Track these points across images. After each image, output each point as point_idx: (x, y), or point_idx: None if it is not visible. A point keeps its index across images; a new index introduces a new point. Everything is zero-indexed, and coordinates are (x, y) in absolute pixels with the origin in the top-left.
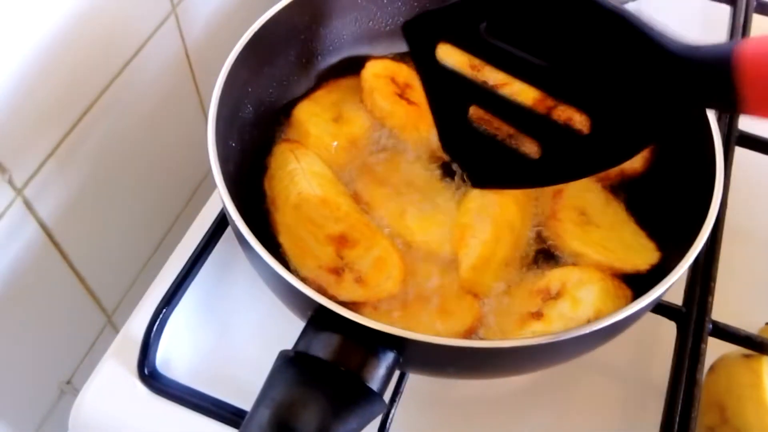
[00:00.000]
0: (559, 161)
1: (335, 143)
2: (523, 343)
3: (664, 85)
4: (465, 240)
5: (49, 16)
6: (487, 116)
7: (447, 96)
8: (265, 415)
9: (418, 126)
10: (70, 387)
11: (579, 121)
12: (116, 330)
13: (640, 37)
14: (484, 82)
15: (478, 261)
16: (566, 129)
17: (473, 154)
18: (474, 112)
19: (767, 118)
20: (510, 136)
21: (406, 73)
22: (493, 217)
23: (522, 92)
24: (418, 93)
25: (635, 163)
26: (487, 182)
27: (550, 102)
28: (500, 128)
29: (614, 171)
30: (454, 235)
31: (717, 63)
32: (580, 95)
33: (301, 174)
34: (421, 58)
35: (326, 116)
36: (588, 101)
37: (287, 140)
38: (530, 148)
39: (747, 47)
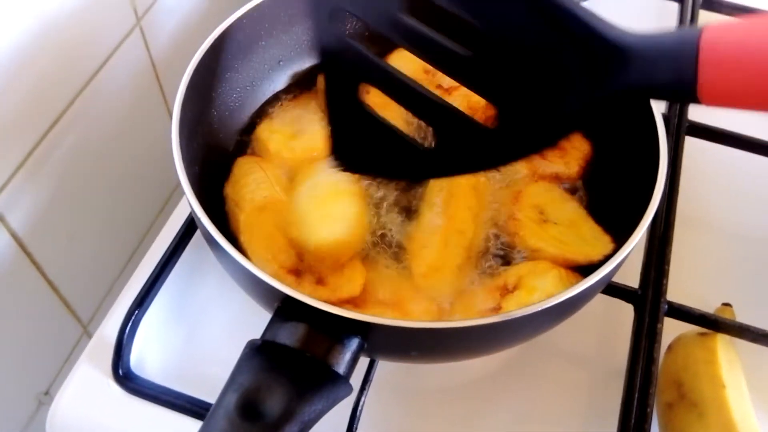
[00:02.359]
0: (453, 154)
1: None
2: (479, 322)
3: (609, 80)
4: (416, 250)
5: (14, 29)
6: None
7: (341, 68)
8: (232, 399)
9: None
10: (48, 398)
11: (477, 109)
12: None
13: (582, 27)
14: (379, 59)
15: (428, 270)
16: (466, 118)
17: (360, 137)
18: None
19: (723, 106)
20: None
21: None
22: (443, 226)
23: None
24: (372, 95)
25: (571, 170)
26: (369, 169)
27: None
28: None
29: (549, 174)
30: (407, 246)
31: (677, 54)
32: (494, 86)
33: (266, 181)
34: (319, 25)
35: (286, 133)
36: (501, 92)
37: (251, 155)
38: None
39: (708, 36)
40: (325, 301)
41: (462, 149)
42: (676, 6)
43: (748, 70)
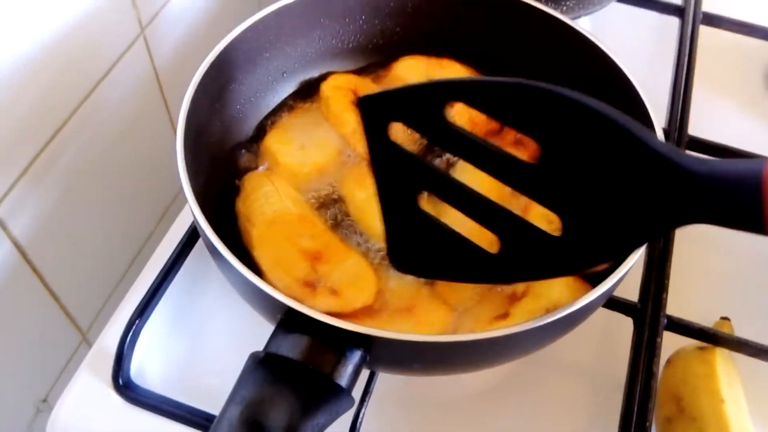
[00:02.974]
0: (520, 260)
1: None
2: (481, 336)
3: (673, 205)
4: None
5: (19, 38)
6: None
7: (396, 178)
8: (235, 412)
9: None
10: (46, 405)
11: (543, 216)
12: (91, 348)
13: (638, 146)
14: (438, 167)
15: None
16: (532, 227)
17: (420, 242)
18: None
19: None
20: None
21: (368, 86)
22: (468, 231)
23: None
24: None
25: None
26: (433, 274)
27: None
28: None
29: None
30: None
31: (741, 182)
32: (556, 196)
33: (276, 195)
34: (372, 136)
35: (295, 144)
36: (564, 204)
37: (258, 165)
38: (489, 241)
39: None
40: (340, 312)
41: (527, 257)
42: (676, 21)
43: None
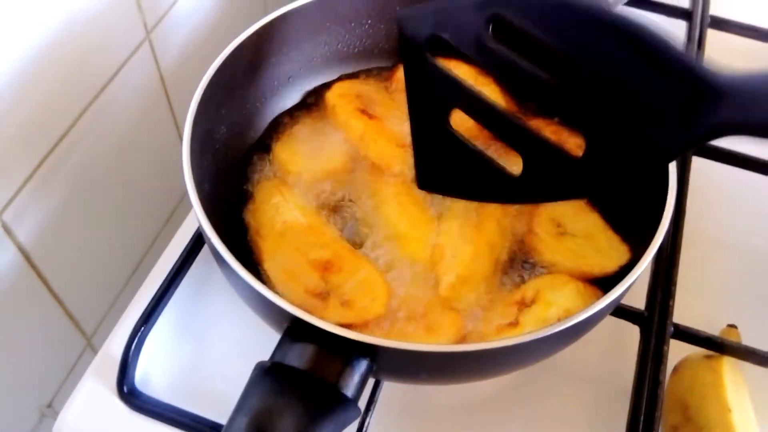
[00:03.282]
0: (541, 181)
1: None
2: (489, 346)
3: (701, 117)
4: (445, 260)
5: (24, 43)
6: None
7: (429, 95)
8: (242, 422)
9: (377, 139)
10: (51, 410)
11: (569, 141)
12: (96, 353)
13: (676, 64)
14: (470, 85)
15: (457, 280)
16: (555, 147)
17: (446, 162)
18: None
19: None
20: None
21: (372, 91)
22: (473, 237)
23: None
24: (381, 108)
25: None
26: (456, 193)
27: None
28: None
29: None
30: (435, 254)
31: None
32: (584, 116)
33: (285, 206)
34: (408, 52)
35: (304, 152)
36: (591, 123)
37: (270, 178)
38: (511, 163)
39: None
40: (352, 323)
41: (549, 177)
42: (684, 25)
43: None
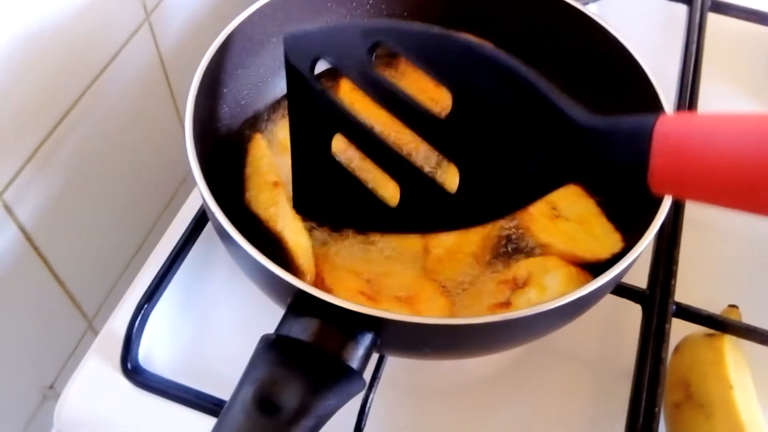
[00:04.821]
0: (418, 212)
1: None
2: (492, 319)
3: (568, 156)
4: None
5: (23, 23)
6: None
7: (312, 117)
8: (248, 392)
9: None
10: (53, 392)
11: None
12: (97, 335)
13: (550, 106)
14: (351, 111)
15: (446, 253)
16: (430, 179)
17: (326, 188)
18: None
19: (674, 194)
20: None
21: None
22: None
23: None
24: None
25: None
26: (332, 219)
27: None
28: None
29: None
30: None
31: (634, 135)
32: (459, 151)
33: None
34: (292, 74)
35: None
36: (465, 159)
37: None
38: (391, 192)
39: (663, 124)
40: None
41: (425, 208)
42: (684, 9)
43: (697, 166)
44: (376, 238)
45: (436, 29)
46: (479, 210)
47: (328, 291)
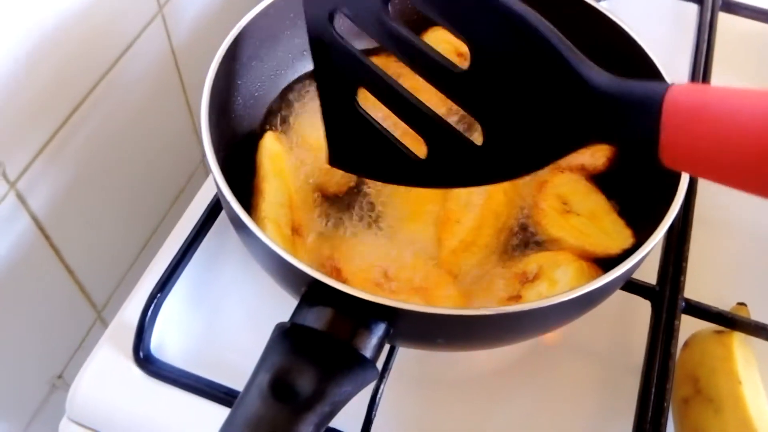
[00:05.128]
0: (445, 166)
1: None
2: (505, 311)
3: (580, 116)
4: (450, 224)
5: (39, 15)
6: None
7: (336, 72)
8: (264, 379)
9: None
10: (62, 382)
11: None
12: (106, 326)
13: (561, 61)
14: (374, 65)
15: (460, 245)
16: (456, 134)
17: (356, 141)
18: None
19: (682, 169)
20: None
21: (395, 64)
22: (480, 204)
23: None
24: (409, 81)
25: (597, 161)
26: (365, 173)
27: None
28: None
29: (576, 165)
30: (440, 219)
31: (643, 104)
32: (480, 105)
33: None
34: (313, 27)
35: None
36: (486, 113)
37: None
38: (419, 146)
39: (674, 95)
40: None
41: (451, 162)
42: (695, 8)
43: (708, 140)
44: (390, 229)
45: None
46: (505, 164)
47: (344, 281)
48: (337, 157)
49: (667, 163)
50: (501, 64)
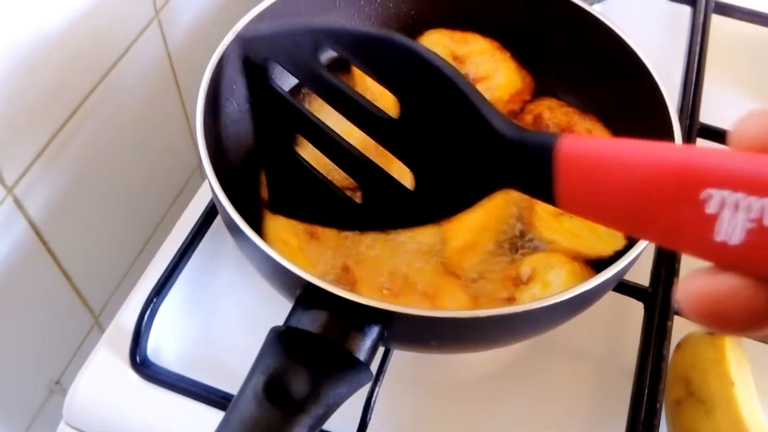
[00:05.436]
0: (379, 210)
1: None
2: (497, 313)
3: (492, 162)
4: (453, 224)
5: (36, 19)
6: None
7: (274, 120)
8: (259, 381)
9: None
10: (59, 387)
11: (578, 125)
12: (103, 331)
13: (474, 112)
14: (308, 111)
15: (463, 245)
16: (389, 180)
17: (295, 187)
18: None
19: (576, 214)
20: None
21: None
22: (483, 206)
23: None
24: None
25: None
26: (305, 217)
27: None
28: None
29: None
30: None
31: (537, 152)
32: (408, 151)
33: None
34: (251, 77)
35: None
36: (415, 159)
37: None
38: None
39: (565, 144)
40: None
41: (386, 206)
42: (688, 10)
43: (594, 190)
44: (396, 233)
45: (376, 31)
46: (436, 206)
47: (353, 286)
48: (278, 204)
49: (564, 209)
50: (425, 114)
